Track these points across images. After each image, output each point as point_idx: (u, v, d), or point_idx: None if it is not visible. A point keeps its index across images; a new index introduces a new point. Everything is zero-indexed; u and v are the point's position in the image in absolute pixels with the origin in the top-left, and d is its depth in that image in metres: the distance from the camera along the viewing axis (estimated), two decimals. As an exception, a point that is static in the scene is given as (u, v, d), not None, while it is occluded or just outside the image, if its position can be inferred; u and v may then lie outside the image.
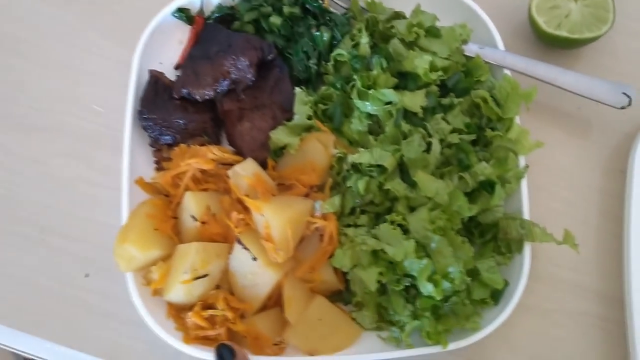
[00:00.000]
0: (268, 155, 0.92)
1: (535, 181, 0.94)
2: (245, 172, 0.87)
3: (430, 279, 0.82)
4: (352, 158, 0.86)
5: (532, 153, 0.92)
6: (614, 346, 0.91)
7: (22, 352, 0.96)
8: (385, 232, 0.83)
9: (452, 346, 0.85)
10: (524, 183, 0.90)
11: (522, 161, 0.91)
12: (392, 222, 0.84)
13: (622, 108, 0.93)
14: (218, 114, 0.96)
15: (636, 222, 0.92)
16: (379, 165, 0.86)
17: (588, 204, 0.98)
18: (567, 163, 1.00)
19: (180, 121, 0.94)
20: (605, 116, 1.01)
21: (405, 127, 0.88)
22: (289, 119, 0.93)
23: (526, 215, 0.89)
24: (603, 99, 0.94)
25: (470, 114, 0.93)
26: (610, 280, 0.94)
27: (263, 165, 0.91)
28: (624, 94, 0.93)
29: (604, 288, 0.94)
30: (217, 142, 0.97)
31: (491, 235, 0.90)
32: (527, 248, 0.88)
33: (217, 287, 0.87)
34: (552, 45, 1.03)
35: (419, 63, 0.89)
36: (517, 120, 0.92)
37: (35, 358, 0.95)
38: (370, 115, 0.90)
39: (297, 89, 0.94)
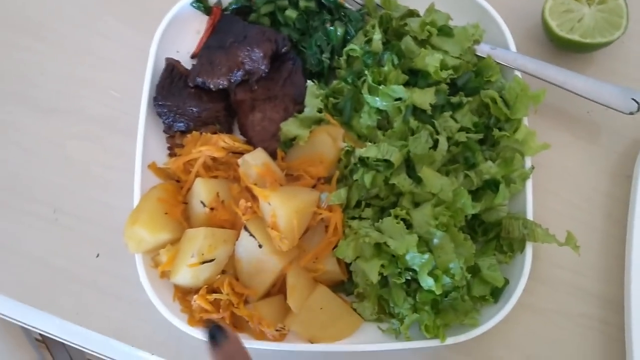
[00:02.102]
0: (278, 146, 0.94)
1: (541, 182, 0.96)
2: (255, 161, 0.89)
3: (431, 274, 0.83)
4: (360, 152, 0.88)
5: (539, 155, 0.92)
6: (613, 349, 0.92)
7: (33, 327, 0.99)
8: (389, 226, 0.85)
9: (450, 340, 0.86)
10: (529, 184, 0.91)
11: (528, 162, 0.92)
12: (396, 217, 0.86)
13: (631, 114, 0.94)
14: (231, 104, 0.98)
15: (636, 225, 0.93)
16: (385, 160, 0.88)
17: (593, 207, 0.99)
18: (574, 166, 1.01)
19: (194, 109, 0.96)
20: (614, 121, 1.02)
21: (414, 123, 0.90)
22: (300, 111, 0.95)
23: (530, 216, 0.90)
24: (612, 104, 0.95)
25: (478, 113, 0.94)
26: (612, 283, 0.94)
27: (273, 155, 0.93)
28: (633, 99, 0.94)
29: (605, 291, 0.95)
30: (229, 131, 0.99)
31: (494, 234, 0.91)
32: (529, 248, 0.89)
33: (223, 272, 0.89)
34: (564, 48, 1.04)
35: (430, 61, 0.90)
36: (525, 121, 0.93)
37: (44, 333, 0.98)
38: (379, 111, 0.92)
39: (309, 82, 0.95)
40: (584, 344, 0.93)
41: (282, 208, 0.84)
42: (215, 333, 0.59)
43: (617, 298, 0.93)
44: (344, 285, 0.91)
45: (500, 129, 0.93)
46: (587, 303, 0.94)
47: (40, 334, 1.00)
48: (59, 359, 1.55)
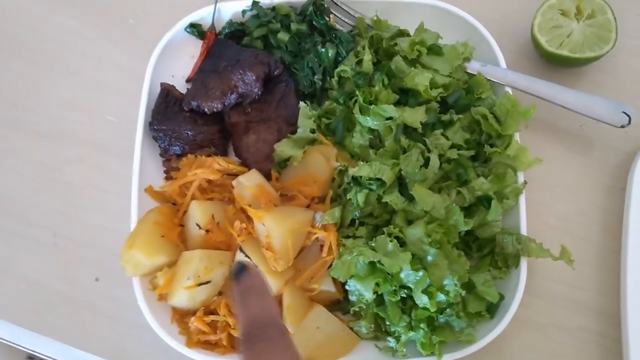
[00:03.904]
0: (272, 167, 0.95)
1: (534, 197, 0.96)
2: (249, 182, 0.90)
3: (425, 291, 0.84)
4: (353, 171, 0.89)
5: (532, 170, 0.93)
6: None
7: (34, 351, 1.00)
8: (383, 244, 0.85)
9: (446, 358, 0.86)
10: (522, 199, 0.92)
11: (521, 177, 0.93)
12: (389, 235, 0.86)
13: (622, 127, 0.95)
14: (226, 126, 1.00)
15: (634, 239, 0.93)
16: (378, 179, 0.88)
17: (587, 220, 0.99)
18: (567, 180, 1.01)
19: (189, 132, 0.97)
20: (606, 134, 1.02)
21: (405, 142, 0.91)
22: (293, 132, 0.96)
23: (524, 231, 0.91)
24: (603, 117, 0.96)
25: (470, 130, 0.95)
26: (608, 296, 0.95)
27: (267, 176, 0.94)
28: (624, 112, 0.95)
29: (601, 304, 0.95)
30: (224, 153, 1.01)
31: (488, 250, 0.91)
32: (524, 263, 0.89)
33: (220, 293, 0.90)
34: (555, 63, 1.05)
35: (420, 80, 0.91)
36: (517, 137, 0.94)
37: (40, 355, 0.99)
38: (371, 130, 0.93)
39: (302, 104, 0.97)
40: (582, 357, 0.93)
41: (277, 228, 0.85)
42: (238, 270, 0.60)
43: (614, 311, 0.93)
44: (340, 304, 0.91)
45: (491, 145, 0.94)
46: (584, 316, 0.94)
47: (34, 356, 1.01)
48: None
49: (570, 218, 0.99)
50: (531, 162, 0.93)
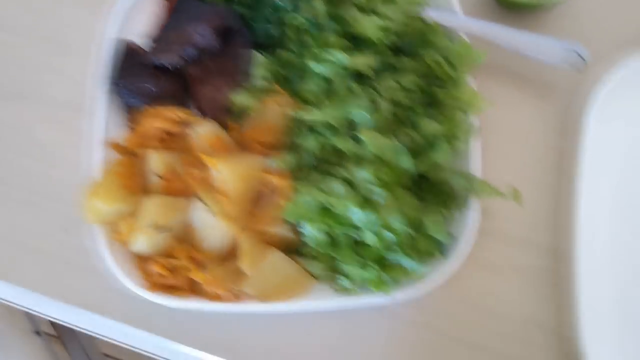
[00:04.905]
0: (229, 117, 0.97)
1: (489, 142, 0.97)
2: (206, 132, 0.93)
3: (374, 231, 0.86)
4: (305, 117, 0.91)
5: (487, 115, 0.94)
6: (565, 296, 0.93)
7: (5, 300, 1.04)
8: (333, 187, 0.88)
9: (400, 296, 0.89)
10: (475, 141, 0.93)
11: (473, 121, 0.94)
12: (339, 178, 0.88)
13: (576, 69, 0.95)
14: (185, 80, 1.02)
15: (587, 180, 0.95)
16: (330, 125, 0.90)
17: (542, 163, 1.00)
18: (523, 124, 1.02)
19: (150, 87, 0.99)
20: (563, 78, 1.02)
21: (356, 87, 0.92)
22: (250, 83, 0.98)
23: (477, 173, 0.92)
24: (557, 60, 0.96)
25: (422, 75, 0.96)
26: (562, 236, 0.96)
27: (224, 126, 0.96)
28: (578, 55, 0.95)
29: (555, 244, 0.96)
30: (184, 106, 1.02)
31: (439, 191, 0.93)
32: (475, 204, 0.91)
33: (179, 239, 0.93)
34: (513, 10, 1.05)
35: (370, 25, 0.93)
36: (470, 81, 0.95)
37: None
38: (324, 78, 0.94)
39: (258, 54, 0.98)
40: (535, 295, 0.95)
41: (230, 174, 0.88)
42: None
43: (565, 248, 0.94)
44: (295, 247, 0.94)
45: (443, 89, 0.95)
46: (537, 256, 0.96)
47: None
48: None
49: (525, 162, 1.00)
50: (484, 105, 0.94)
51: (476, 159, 0.93)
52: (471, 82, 0.96)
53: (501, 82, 1.04)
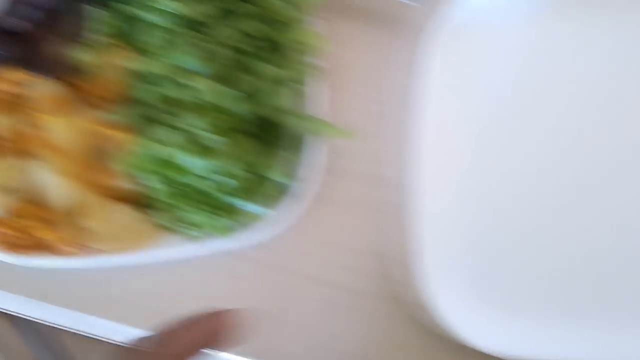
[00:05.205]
0: (67, 74, 0.96)
1: (334, 82, 0.98)
2: (45, 91, 0.92)
3: (216, 179, 0.87)
4: (137, 67, 0.90)
5: (337, 55, 0.95)
6: (404, 228, 0.95)
7: None
8: (168, 136, 0.88)
9: (249, 239, 0.91)
10: (320, 83, 0.94)
11: (319, 62, 0.94)
12: (178, 128, 0.89)
13: (420, 6, 0.96)
14: (27, 41, 1.00)
15: (432, 115, 0.96)
16: (164, 75, 0.90)
17: (389, 99, 1.01)
18: (373, 63, 1.02)
19: (-2, 50, 0.98)
20: (411, 13, 1.02)
21: (192, 35, 0.91)
22: (88, 39, 0.97)
23: (324, 115, 0.93)
24: (399, -4, 0.97)
25: (260, 19, 0.95)
26: (407, 170, 0.97)
27: (69, 85, 0.95)
28: (418, -10, 0.96)
29: (400, 178, 0.97)
30: (34, 68, 1.01)
31: (284, 135, 0.94)
32: (323, 145, 0.93)
33: (28, 200, 0.93)
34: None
35: (199, -30, 0.92)
36: (315, 22, 0.95)
37: None
38: (159, 27, 0.93)
39: (94, 9, 0.97)
40: (383, 227, 0.97)
41: (66, 131, 0.88)
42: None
43: (413, 183, 0.96)
44: (139, 199, 0.94)
45: (283, 33, 0.95)
46: (386, 191, 0.98)
47: None
48: None
49: (375, 100, 1.01)
50: (325, 46, 0.94)
51: (322, 100, 0.94)
52: (316, 23, 0.96)
53: (351, 21, 1.04)
